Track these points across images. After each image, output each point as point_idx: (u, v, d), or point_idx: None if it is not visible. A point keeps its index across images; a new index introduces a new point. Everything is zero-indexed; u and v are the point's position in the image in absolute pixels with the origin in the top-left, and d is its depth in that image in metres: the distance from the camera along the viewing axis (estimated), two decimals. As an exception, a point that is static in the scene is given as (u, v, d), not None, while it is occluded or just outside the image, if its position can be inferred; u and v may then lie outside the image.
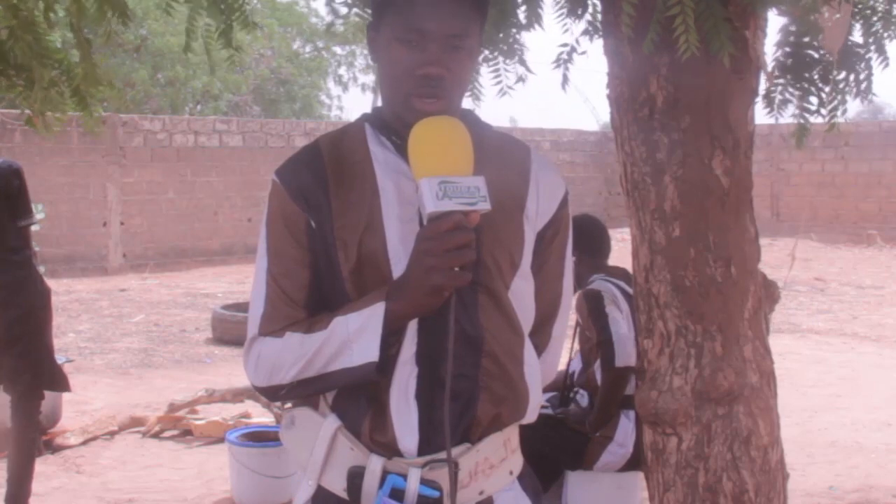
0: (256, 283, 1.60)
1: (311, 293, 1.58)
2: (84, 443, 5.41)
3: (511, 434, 1.63)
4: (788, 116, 2.77)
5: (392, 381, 1.54)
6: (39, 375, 4.06)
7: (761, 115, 2.65)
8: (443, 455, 1.50)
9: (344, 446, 1.57)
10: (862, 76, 2.68)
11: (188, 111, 19.62)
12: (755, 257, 2.49)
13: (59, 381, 4.19)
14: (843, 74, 2.68)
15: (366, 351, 1.48)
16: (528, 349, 1.64)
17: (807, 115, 2.76)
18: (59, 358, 5.54)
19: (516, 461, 1.65)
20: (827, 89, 2.65)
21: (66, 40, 9.52)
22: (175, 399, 5.88)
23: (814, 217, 17.35)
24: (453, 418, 1.52)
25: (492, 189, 1.45)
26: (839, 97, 2.69)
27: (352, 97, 73.60)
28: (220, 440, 5.18)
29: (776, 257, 11.62)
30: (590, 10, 2.74)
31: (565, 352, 3.54)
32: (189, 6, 2.73)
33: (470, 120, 1.63)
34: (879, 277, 12.92)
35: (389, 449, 1.54)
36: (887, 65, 2.66)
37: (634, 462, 3.55)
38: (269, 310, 1.58)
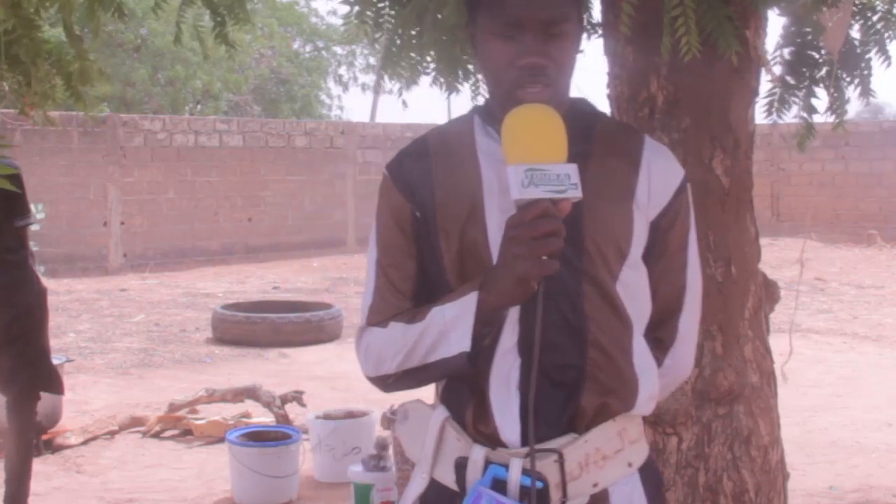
0: (368, 274, 1.63)
1: (417, 284, 1.59)
2: (84, 443, 5.41)
3: (627, 424, 1.57)
4: (789, 118, 2.76)
5: (492, 371, 1.52)
6: (36, 375, 4.05)
7: (761, 115, 2.65)
8: (547, 446, 1.48)
9: (451, 437, 1.56)
10: (863, 75, 2.67)
11: (188, 111, 19.61)
12: (755, 257, 2.48)
13: (54, 383, 4.19)
14: (843, 74, 2.68)
15: (460, 340, 1.47)
16: (638, 340, 1.58)
17: (809, 116, 2.75)
18: (60, 358, 5.56)
19: (636, 453, 1.59)
20: (831, 89, 2.65)
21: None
22: (175, 399, 5.88)
23: (814, 217, 17.34)
24: (556, 408, 1.51)
25: (597, 177, 1.45)
26: (841, 97, 2.69)
27: (352, 97, 73.59)
28: (220, 440, 5.18)
29: (776, 257, 11.62)
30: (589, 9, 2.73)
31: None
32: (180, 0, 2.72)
33: (581, 108, 1.62)
34: (879, 277, 12.91)
35: (492, 439, 1.52)
36: (889, 64, 2.66)
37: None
38: (378, 300, 1.60)
